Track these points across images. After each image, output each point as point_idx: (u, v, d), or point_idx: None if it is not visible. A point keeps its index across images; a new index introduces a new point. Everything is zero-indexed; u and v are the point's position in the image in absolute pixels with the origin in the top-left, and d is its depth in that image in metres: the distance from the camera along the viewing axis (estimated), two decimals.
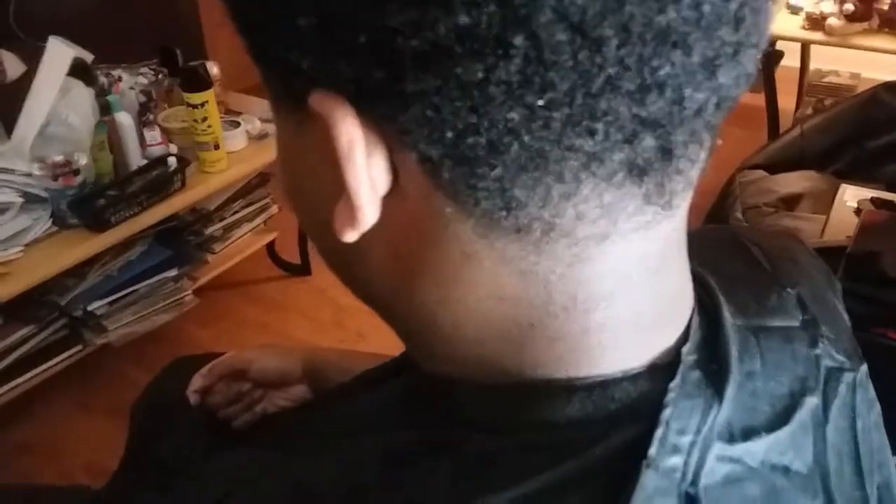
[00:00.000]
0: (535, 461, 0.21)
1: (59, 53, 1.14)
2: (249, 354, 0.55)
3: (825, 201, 1.34)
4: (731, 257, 0.30)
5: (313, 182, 0.23)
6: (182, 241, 1.41)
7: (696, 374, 0.23)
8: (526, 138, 0.18)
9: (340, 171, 0.20)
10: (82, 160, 1.10)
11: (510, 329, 0.22)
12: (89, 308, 1.26)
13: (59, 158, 1.09)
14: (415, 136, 0.19)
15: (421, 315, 0.24)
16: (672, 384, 0.22)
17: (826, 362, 0.26)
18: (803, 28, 1.73)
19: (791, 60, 2.02)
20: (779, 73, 1.90)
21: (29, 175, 1.10)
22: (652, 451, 0.21)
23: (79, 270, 1.23)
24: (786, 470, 0.22)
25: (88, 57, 1.23)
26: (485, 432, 0.23)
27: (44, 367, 1.23)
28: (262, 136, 1.38)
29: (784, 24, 1.73)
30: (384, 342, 0.33)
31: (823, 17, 1.69)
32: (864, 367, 0.27)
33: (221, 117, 1.28)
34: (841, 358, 0.26)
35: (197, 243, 1.44)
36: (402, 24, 0.17)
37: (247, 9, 0.21)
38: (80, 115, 1.13)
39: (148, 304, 1.35)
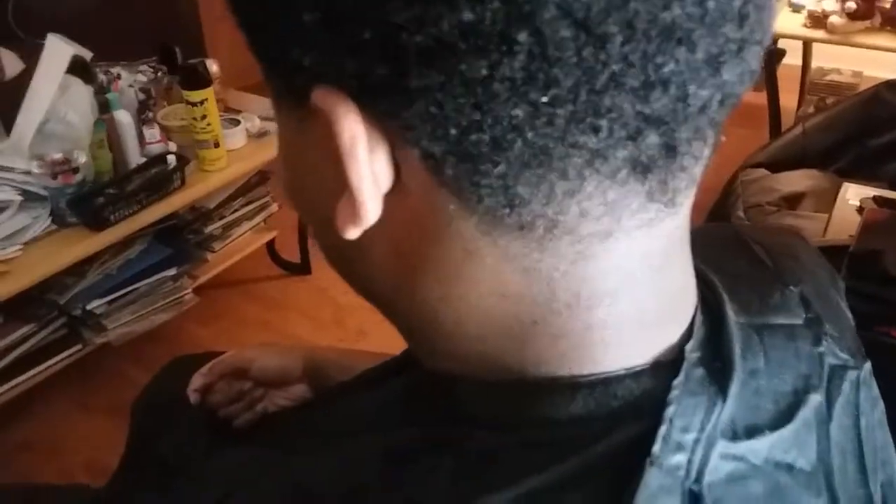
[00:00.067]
0: (537, 458, 0.21)
1: (57, 51, 1.14)
2: (250, 353, 0.55)
3: (827, 200, 1.34)
4: (733, 255, 0.30)
5: (315, 179, 0.23)
6: (181, 239, 1.41)
7: (699, 372, 0.23)
8: (530, 135, 0.18)
9: (343, 168, 0.20)
10: (81, 158, 1.10)
11: (512, 326, 0.22)
12: (89, 307, 1.26)
13: (58, 156, 1.09)
14: (418, 133, 0.19)
15: (423, 312, 0.24)
16: (675, 382, 0.22)
17: (829, 360, 0.26)
18: (805, 26, 1.73)
19: (793, 59, 2.02)
20: (781, 72, 1.90)
21: (28, 173, 1.10)
22: (656, 448, 0.21)
23: (78, 269, 1.23)
24: (789, 468, 0.22)
25: (87, 54, 1.23)
26: (487, 429, 0.23)
27: (43, 366, 1.23)
28: (261, 134, 1.37)
29: (786, 22, 1.73)
30: (385, 341, 0.33)
31: (825, 16, 1.68)
32: (868, 365, 0.27)
33: (221, 115, 1.28)
34: (844, 356, 0.26)
35: (196, 242, 1.44)
36: (406, 20, 0.17)
37: (249, 4, 0.21)
38: (79, 112, 1.13)
39: (147, 302, 1.35)
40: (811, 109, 1.94)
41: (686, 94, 0.18)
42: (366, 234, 0.21)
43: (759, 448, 0.22)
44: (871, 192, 1.31)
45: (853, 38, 1.67)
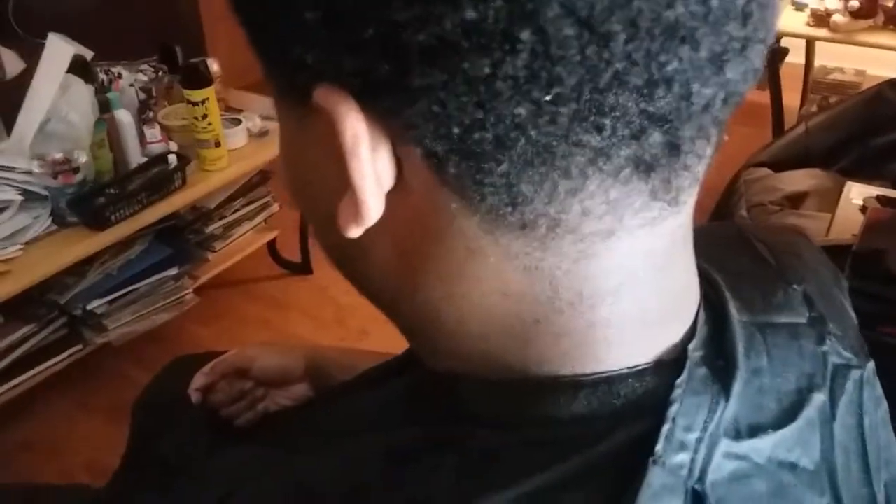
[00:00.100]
0: (539, 457, 0.21)
1: (58, 50, 1.14)
2: (251, 352, 0.55)
3: (830, 199, 1.33)
4: (736, 253, 0.30)
5: (317, 177, 0.23)
6: (182, 239, 1.41)
7: (702, 371, 0.23)
8: (533, 133, 0.18)
9: (345, 166, 0.20)
10: (82, 158, 1.10)
11: (514, 325, 0.22)
12: (89, 307, 1.26)
13: (58, 156, 1.09)
14: (420, 131, 0.19)
15: (425, 311, 0.24)
16: (678, 381, 0.22)
17: (833, 359, 0.26)
18: (808, 25, 1.72)
19: (796, 57, 2.01)
20: (783, 71, 1.89)
21: (29, 173, 1.10)
22: (659, 447, 0.21)
23: (78, 269, 1.23)
24: (793, 466, 0.22)
25: (88, 54, 1.23)
26: (489, 428, 0.23)
27: (44, 366, 1.23)
28: (262, 134, 1.37)
29: (789, 21, 1.73)
30: (386, 340, 0.33)
31: (828, 14, 1.68)
32: (871, 365, 0.27)
33: (222, 114, 1.28)
34: (848, 355, 0.26)
35: (197, 242, 1.44)
36: (408, 18, 0.17)
37: (251, 3, 0.21)
38: (80, 112, 1.13)
39: (148, 302, 1.35)
40: (814, 108, 1.93)
41: (690, 93, 0.18)
42: (367, 232, 0.21)
43: (763, 447, 0.22)
44: (874, 191, 1.31)
45: (856, 36, 1.67)
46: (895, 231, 1.09)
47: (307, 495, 0.25)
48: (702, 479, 0.21)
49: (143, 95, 1.27)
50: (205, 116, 1.20)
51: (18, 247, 1.08)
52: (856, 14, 1.63)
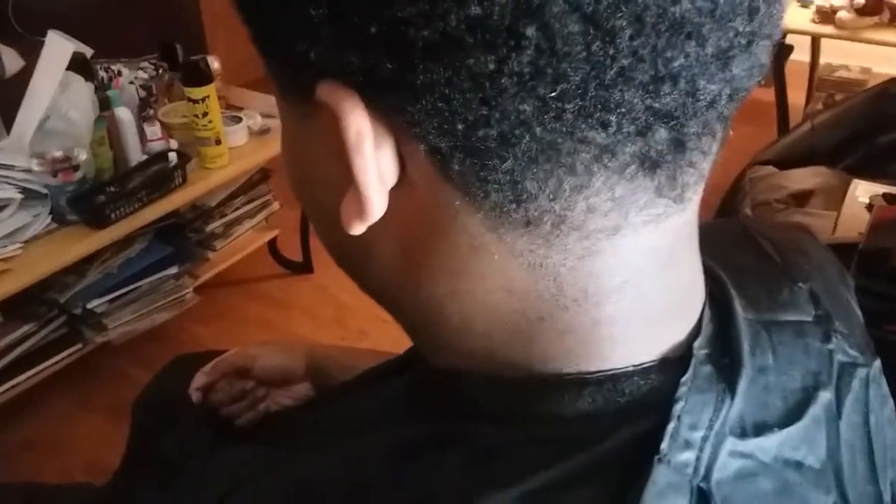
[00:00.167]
0: (543, 455, 0.21)
1: (58, 48, 1.14)
2: (252, 351, 0.54)
3: (836, 197, 1.33)
4: (741, 250, 0.30)
5: (319, 174, 0.23)
6: (183, 238, 1.40)
7: (707, 369, 0.23)
8: (538, 130, 0.18)
9: (348, 163, 0.20)
10: (82, 156, 1.10)
11: (518, 322, 0.22)
12: (89, 306, 1.26)
13: (58, 154, 1.09)
14: (424, 128, 0.19)
15: (428, 307, 0.24)
16: (684, 378, 0.22)
17: (839, 357, 0.26)
18: (813, 21, 1.72)
19: (801, 55, 2.00)
20: (788, 68, 1.88)
21: (28, 171, 1.10)
22: (664, 445, 0.20)
23: (78, 268, 1.23)
24: (798, 465, 0.22)
25: (88, 51, 1.22)
26: (493, 425, 0.23)
27: (44, 365, 1.23)
28: (263, 132, 1.37)
29: (794, 18, 1.72)
30: (386, 340, 0.32)
31: (834, 11, 1.67)
32: (878, 363, 0.27)
33: (222, 112, 1.28)
34: (854, 353, 0.26)
35: (198, 240, 1.44)
36: (413, 14, 0.17)
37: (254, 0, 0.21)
38: (80, 110, 1.13)
39: (148, 301, 1.35)
40: (819, 106, 1.92)
41: (695, 89, 0.18)
42: (370, 229, 0.21)
43: (768, 445, 0.22)
44: (880, 189, 1.31)
45: (862, 33, 1.66)
46: None
47: (308, 495, 0.25)
48: (707, 477, 0.21)
49: (143, 93, 1.27)
50: (205, 114, 1.20)
51: (18, 245, 1.08)
52: (861, 11, 1.63)
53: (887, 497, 0.25)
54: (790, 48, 1.95)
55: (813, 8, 1.72)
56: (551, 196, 0.19)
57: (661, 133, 0.19)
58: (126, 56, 1.34)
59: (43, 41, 1.15)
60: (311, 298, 1.60)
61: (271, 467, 0.29)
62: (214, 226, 1.44)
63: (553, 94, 0.17)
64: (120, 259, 1.29)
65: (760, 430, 0.22)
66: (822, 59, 2.09)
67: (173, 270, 1.36)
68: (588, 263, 0.21)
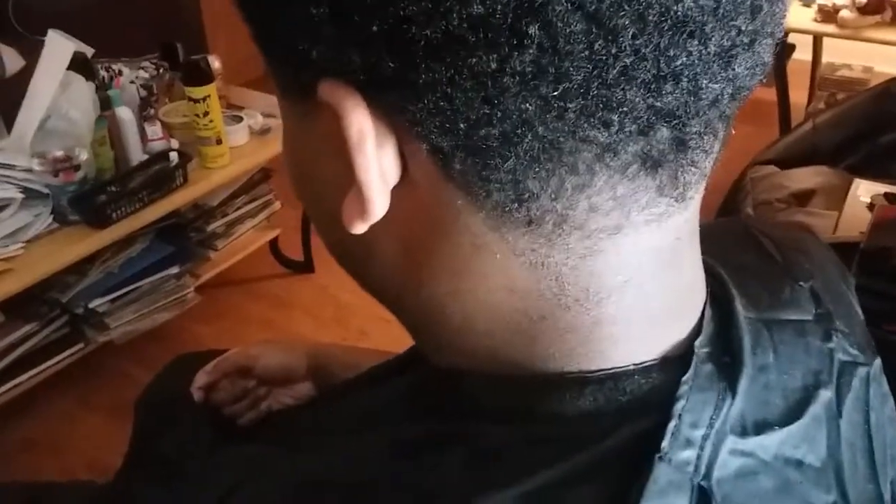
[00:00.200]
0: (545, 454, 0.21)
1: (58, 47, 1.13)
2: (254, 351, 0.54)
3: (838, 197, 1.33)
4: (743, 249, 0.30)
5: (321, 173, 0.23)
6: (184, 237, 1.40)
7: (708, 368, 0.23)
8: (540, 129, 0.18)
9: (350, 162, 0.20)
10: (83, 155, 1.10)
11: (520, 321, 0.22)
12: (91, 305, 1.26)
13: (59, 154, 1.09)
14: (426, 127, 0.19)
15: (430, 307, 0.24)
16: (684, 377, 0.22)
17: (840, 356, 0.26)
18: (815, 20, 1.71)
19: (803, 54, 2.00)
20: (790, 67, 1.88)
21: (29, 171, 1.10)
22: (665, 444, 0.21)
23: (80, 267, 1.22)
24: (799, 463, 0.22)
25: (88, 51, 1.22)
26: (494, 424, 0.23)
27: (45, 364, 1.23)
28: (264, 131, 1.37)
29: (796, 17, 1.72)
30: (387, 340, 0.32)
31: (836, 10, 1.67)
32: (878, 362, 0.27)
33: (223, 112, 1.28)
34: (854, 352, 0.26)
35: (199, 240, 1.44)
36: (415, 13, 0.17)
37: None
38: (81, 109, 1.13)
39: (150, 301, 1.35)
40: (821, 105, 1.92)
41: (697, 88, 0.18)
42: (372, 228, 0.21)
43: (769, 444, 0.22)
44: (882, 188, 1.31)
45: (864, 32, 1.66)
46: None
47: (309, 494, 0.25)
48: (708, 475, 0.21)
49: (143, 92, 1.27)
50: (206, 114, 1.20)
51: (19, 245, 1.08)
52: (863, 10, 1.62)
53: (887, 496, 0.25)
54: (792, 47, 1.95)
55: (815, 7, 1.72)
56: (553, 195, 0.19)
57: (663, 132, 0.19)
58: (127, 55, 1.34)
59: (43, 41, 1.15)
60: (312, 298, 1.60)
61: (272, 466, 0.29)
62: (215, 225, 1.44)
63: (555, 93, 0.17)
64: (121, 259, 1.29)
65: (761, 428, 0.22)
66: (824, 58, 2.09)
67: (174, 270, 1.36)
68: (590, 263, 0.21)
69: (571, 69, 0.17)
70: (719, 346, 0.23)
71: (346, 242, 0.24)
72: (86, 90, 1.15)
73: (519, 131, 0.18)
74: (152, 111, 1.26)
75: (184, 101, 1.25)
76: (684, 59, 0.18)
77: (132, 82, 1.28)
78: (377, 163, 0.20)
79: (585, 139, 0.18)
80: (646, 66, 0.17)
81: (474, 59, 0.17)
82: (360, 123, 0.19)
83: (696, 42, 0.18)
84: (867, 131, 1.48)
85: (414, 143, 0.20)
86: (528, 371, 0.23)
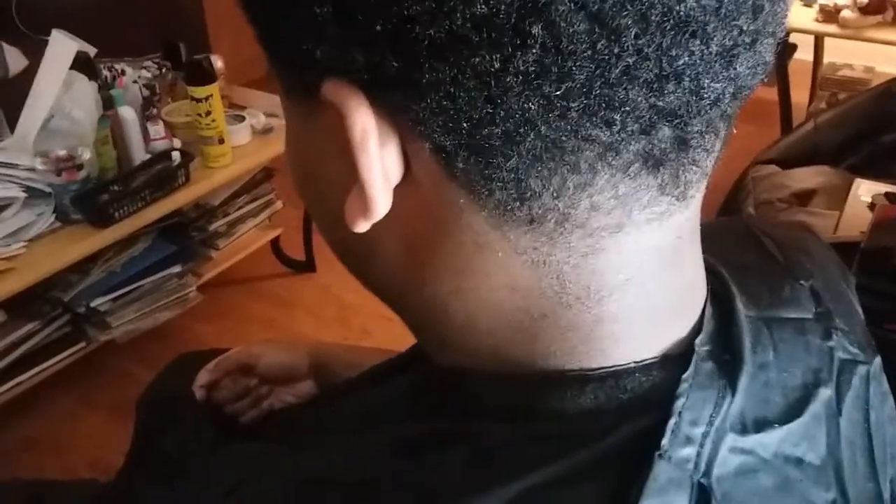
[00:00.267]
0: (546, 451, 0.21)
1: (61, 47, 1.14)
2: (256, 349, 0.55)
3: (839, 196, 1.32)
4: (743, 249, 0.30)
5: (323, 172, 0.23)
6: (186, 236, 1.41)
7: (708, 366, 0.23)
8: (542, 128, 0.18)
9: (353, 161, 0.20)
10: (85, 155, 1.10)
11: (522, 319, 0.22)
12: (93, 304, 1.26)
13: (62, 153, 1.09)
14: (429, 126, 0.19)
15: (432, 305, 0.24)
16: (685, 375, 0.22)
17: (840, 354, 0.26)
18: (817, 20, 1.71)
19: (804, 54, 2.00)
20: (792, 67, 1.88)
21: (32, 170, 1.10)
22: (665, 441, 0.21)
23: (82, 266, 1.23)
24: (799, 461, 0.23)
25: (91, 51, 1.23)
26: (496, 422, 0.23)
27: (47, 363, 1.23)
28: (266, 131, 1.37)
29: (798, 17, 1.72)
30: (389, 339, 0.33)
31: (837, 10, 1.67)
32: (878, 360, 0.27)
33: (226, 111, 1.28)
34: (855, 350, 0.26)
35: (201, 239, 1.44)
36: (419, 12, 0.17)
37: None
38: (84, 109, 1.13)
39: (152, 300, 1.35)
40: (823, 105, 1.92)
41: (699, 87, 0.18)
42: (374, 227, 0.21)
43: (769, 442, 0.22)
44: (883, 188, 1.31)
45: (865, 32, 1.66)
46: None
47: (311, 492, 0.25)
48: (708, 473, 0.21)
49: (146, 92, 1.27)
50: (208, 113, 1.20)
51: (22, 244, 1.08)
52: (865, 10, 1.62)
53: (887, 494, 0.25)
54: (794, 47, 1.95)
55: (816, 7, 1.72)
56: (555, 194, 0.19)
57: (665, 131, 0.19)
58: (129, 55, 1.35)
59: (47, 40, 1.15)
60: (314, 297, 1.60)
61: (274, 465, 0.29)
62: (217, 225, 1.44)
63: (558, 93, 0.17)
64: (123, 258, 1.30)
65: (761, 426, 0.22)
66: (826, 58, 2.08)
67: (176, 269, 1.36)
68: (591, 261, 0.21)
69: (574, 69, 0.17)
70: (720, 344, 0.24)
71: (348, 241, 0.24)
72: (89, 90, 1.15)
73: (521, 130, 0.18)
74: (155, 111, 1.26)
75: (186, 100, 1.25)
76: (686, 58, 0.18)
77: (135, 82, 1.28)
78: (380, 162, 0.20)
79: (588, 138, 0.18)
80: (648, 66, 0.17)
81: (477, 59, 0.17)
82: (364, 122, 0.19)
83: (698, 42, 0.18)
84: (868, 131, 1.48)
85: (417, 142, 0.20)
86: (530, 369, 0.23)
